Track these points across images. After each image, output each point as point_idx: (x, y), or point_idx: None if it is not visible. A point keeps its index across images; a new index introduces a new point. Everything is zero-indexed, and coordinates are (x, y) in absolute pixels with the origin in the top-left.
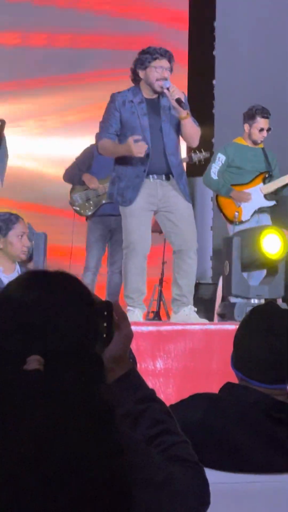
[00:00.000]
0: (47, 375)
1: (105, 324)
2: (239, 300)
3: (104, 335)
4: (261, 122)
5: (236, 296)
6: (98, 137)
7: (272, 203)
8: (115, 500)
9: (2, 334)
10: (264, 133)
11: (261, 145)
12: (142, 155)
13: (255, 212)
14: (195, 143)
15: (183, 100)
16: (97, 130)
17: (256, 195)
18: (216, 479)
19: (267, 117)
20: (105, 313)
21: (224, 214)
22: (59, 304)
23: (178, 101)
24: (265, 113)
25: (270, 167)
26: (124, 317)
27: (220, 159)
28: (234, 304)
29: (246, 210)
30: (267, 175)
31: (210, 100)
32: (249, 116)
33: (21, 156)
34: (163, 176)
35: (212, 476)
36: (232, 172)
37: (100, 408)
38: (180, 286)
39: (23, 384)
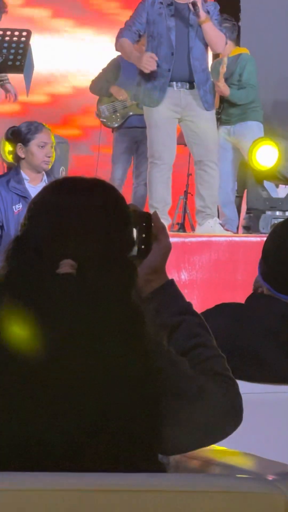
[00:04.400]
0: (79, 279)
1: (143, 235)
2: (267, 213)
3: (143, 246)
4: None
5: (256, 210)
6: (119, 33)
7: None
8: (144, 406)
9: (36, 238)
10: None
11: (242, 50)
12: (148, 70)
13: None
14: (219, 48)
15: (199, 5)
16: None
17: None
18: (240, 389)
19: None
20: (144, 224)
21: None
22: (93, 209)
23: (193, 4)
24: None
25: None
26: (163, 228)
27: None
28: (259, 216)
29: None
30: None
31: (236, 12)
32: None
33: (49, 64)
34: (187, 84)
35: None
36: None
37: (130, 312)
38: (203, 197)
39: (56, 287)
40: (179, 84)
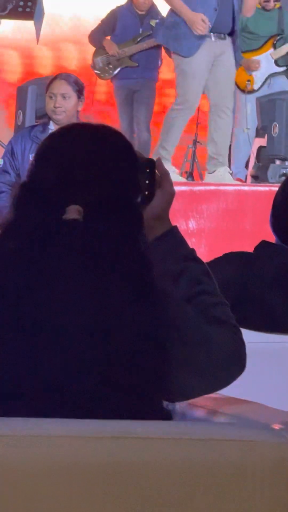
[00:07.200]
0: (86, 225)
1: (147, 182)
2: (276, 162)
3: (146, 193)
4: None
5: (284, 159)
6: None
7: (283, 68)
8: (149, 352)
9: (43, 183)
10: None
11: (278, 5)
12: (199, 33)
13: (266, 79)
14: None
15: None
16: None
17: (266, 62)
18: (246, 338)
19: None
20: (148, 170)
21: (236, 83)
22: (100, 155)
23: None
24: None
25: (281, 29)
26: (166, 175)
27: None
28: (268, 166)
29: (257, 78)
30: (277, 39)
31: None
32: None
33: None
34: (224, 35)
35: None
36: (246, 37)
37: (137, 259)
38: (216, 143)
39: (62, 233)
40: (217, 35)
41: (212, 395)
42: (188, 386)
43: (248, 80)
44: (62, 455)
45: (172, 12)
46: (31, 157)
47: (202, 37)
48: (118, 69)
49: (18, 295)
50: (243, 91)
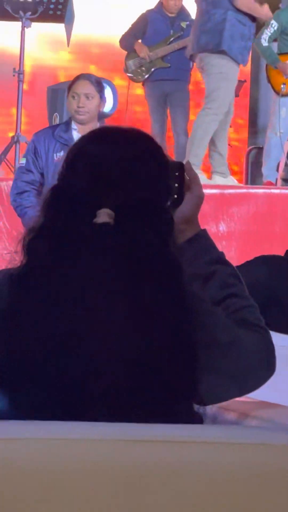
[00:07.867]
0: (116, 228)
1: (176, 185)
2: None
3: (175, 196)
4: None
5: None
6: None
7: None
8: (179, 355)
9: (74, 187)
10: None
11: None
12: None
13: None
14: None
15: None
16: None
17: None
18: (277, 341)
19: None
20: (177, 173)
21: (271, 85)
22: (131, 159)
23: None
24: None
25: None
26: (195, 178)
27: (272, 25)
28: None
29: None
30: None
31: None
32: None
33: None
34: None
35: (273, 338)
36: (285, 39)
37: (167, 262)
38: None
39: (93, 237)
40: None
41: (243, 398)
42: (217, 389)
43: (283, 84)
44: (91, 459)
45: (234, 18)
46: (55, 156)
47: (249, 50)
48: (152, 71)
49: (50, 298)
50: (277, 94)
